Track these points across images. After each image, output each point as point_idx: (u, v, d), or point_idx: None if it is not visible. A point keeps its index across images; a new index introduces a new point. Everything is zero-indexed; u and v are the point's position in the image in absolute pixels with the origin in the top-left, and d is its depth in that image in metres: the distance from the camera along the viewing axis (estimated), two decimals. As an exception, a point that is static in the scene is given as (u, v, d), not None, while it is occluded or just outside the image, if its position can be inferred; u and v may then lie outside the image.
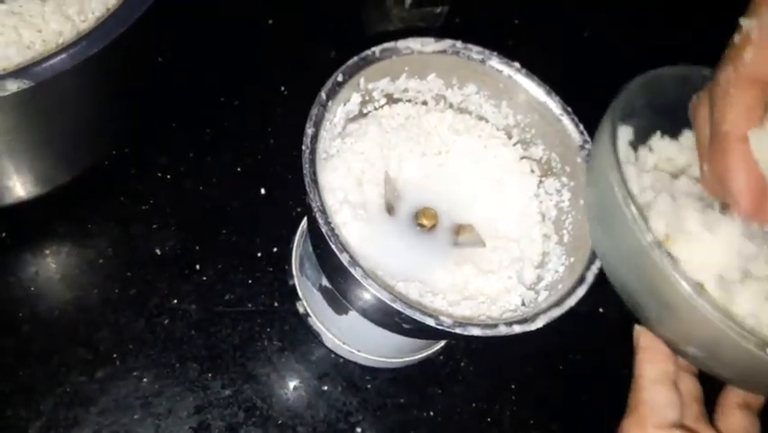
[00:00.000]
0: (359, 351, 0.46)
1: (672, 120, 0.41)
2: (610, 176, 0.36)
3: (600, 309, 0.55)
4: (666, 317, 0.36)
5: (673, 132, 0.42)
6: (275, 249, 0.50)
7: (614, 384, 0.53)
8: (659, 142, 0.43)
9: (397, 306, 0.32)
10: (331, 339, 0.46)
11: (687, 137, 0.41)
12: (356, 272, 0.33)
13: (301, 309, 0.47)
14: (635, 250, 0.35)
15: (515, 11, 0.67)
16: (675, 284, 0.32)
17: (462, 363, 0.50)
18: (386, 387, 0.48)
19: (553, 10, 0.67)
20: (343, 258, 0.33)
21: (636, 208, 0.34)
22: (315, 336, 0.47)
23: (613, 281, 0.39)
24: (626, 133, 0.42)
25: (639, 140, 0.43)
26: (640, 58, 0.67)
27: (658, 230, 0.36)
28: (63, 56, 0.34)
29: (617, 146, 0.37)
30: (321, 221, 0.33)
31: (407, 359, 0.47)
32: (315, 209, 0.34)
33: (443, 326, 0.33)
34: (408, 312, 0.32)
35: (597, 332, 0.54)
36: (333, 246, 0.33)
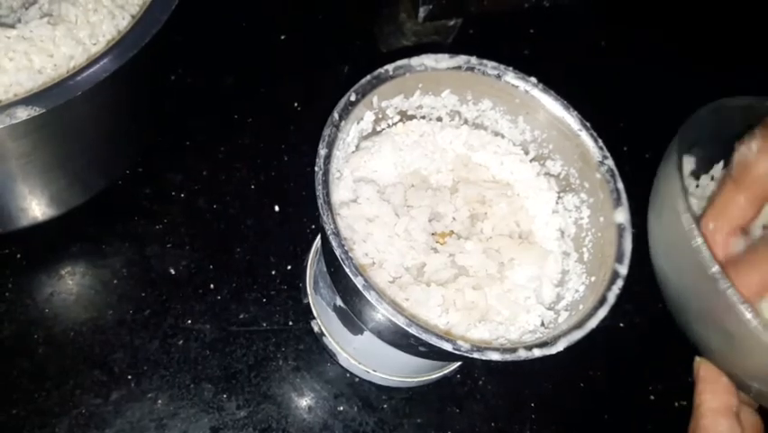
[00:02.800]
0: (374, 370, 0.45)
1: None
2: (677, 205, 0.36)
3: (621, 324, 0.54)
4: (729, 349, 0.36)
5: None
6: (289, 267, 0.50)
7: (636, 403, 0.52)
8: (722, 172, 0.42)
9: (413, 330, 0.32)
10: (346, 359, 0.45)
11: None
12: (370, 296, 0.32)
13: (316, 328, 0.46)
14: (699, 279, 0.34)
15: (530, 20, 0.66)
16: (740, 315, 0.32)
17: (480, 382, 0.49)
18: (402, 406, 0.47)
19: (568, 19, 0.66)
20: (358, 282, 0.32)
21: (702, 239, 0.34)
22: (330, 356, 0.47)
23: (674, 312, 0.39)
24: (688, 163, 0.43)
25: (701, 169, 0.43)
26: (659, 68, 0.66)
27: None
28: (74, 81, 0.34)
29: (683, 175, 0.37)
30: (334, 243, 0.33)
31: (424, 378, 0.46)
32: (329, 231, 0.33)
33: (460, 351, 0.32)
34: (424, 337, 0.32)
35: (617, 347, 0.53)
36: (347, 270, 0.32)
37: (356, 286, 0.32)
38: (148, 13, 0.38)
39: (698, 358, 0.39)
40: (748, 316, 0.32)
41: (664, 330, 0.54)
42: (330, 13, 0.61)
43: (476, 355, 0.32)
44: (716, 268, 0.33)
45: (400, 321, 0.32)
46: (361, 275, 0.32)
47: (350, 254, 0.33)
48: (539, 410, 0.49)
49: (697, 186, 0.43)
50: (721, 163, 0.43)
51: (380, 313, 0.32)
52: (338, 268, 0.33)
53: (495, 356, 0.32)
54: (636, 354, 0.53)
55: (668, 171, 0.37)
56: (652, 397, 0.52)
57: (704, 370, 0.38)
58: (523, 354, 0.33)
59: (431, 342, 0.32)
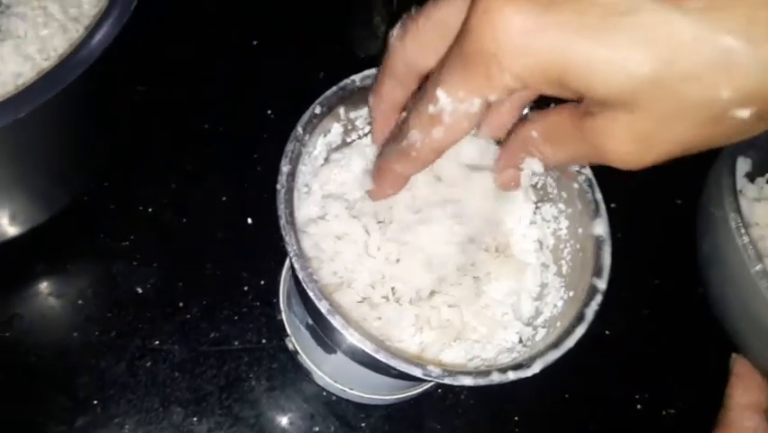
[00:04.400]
0: (351, 389, 0.43)
1: None
2: (726, 204, 0.38)
3: (607, 332, 0.53)
4: (760, 341, 0.38)
5: None
6: (263, 282, 0.48)
7: (623, 413, 0.51)
8: None
9: (381, 356, 0.30)
10: (321, 377, 0.44)
11: None
12: (335, 321, 0.31)
13: (290, 346, 0.45)
14: (742, 277, 0.36)
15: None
16: None
17: (462, 396, 0.48)
18: (381, 425, 0.46)
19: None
20: (322, 306, 0.31)
21: (749, 238, 0.36)
22: (305, 374, 0.45)
23: (717, 311, 0.41)
24: (743, 165, 0.45)
25: (757, 172, 0.46)
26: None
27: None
28: (21, 99, 0.32)
29: (735, 177, 0.39)
30: (297, 266, 0.31)
31: (403, 395, 0.45)
32: (292, 253, 0.32)
33: (430, 376, 0.30)
34: (393, 363, 0.30)
35: (603, 356, 0.51)
36: (310, 293, 0.31)
37: (320, 311, 0.31)
38: (102, 23, 0.36)
39: (734, 355, 0.41)
40: None
41: (650, 338, 0.53)
42: (304, 18, 0.59)
43: (447, 381, 0.30)
44: (759, 267, 0.35)
45: (367, 347, 0.30)
46: (326, 299, 0.31)
47: (314, 277, 0.31)
48: (523, 423, 0.48)
49: (752, 183, 0.46)
50: None
51: (347, 338, 0.31)
52: (303, 290, 0.32)
53: (467, 381, 0.31)
54: (622, 363, 0.52)
55: (719, 172, 0.40)
56: (639, 406, 0.51)
57: (739, 366, 0.40)
58: (497, 378, 0.31)
59: (400, 368, 0.30)
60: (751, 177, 0.47)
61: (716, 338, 0.51)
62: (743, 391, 0.39)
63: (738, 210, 0.37)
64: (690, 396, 0.50)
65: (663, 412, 0.50)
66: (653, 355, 0.52)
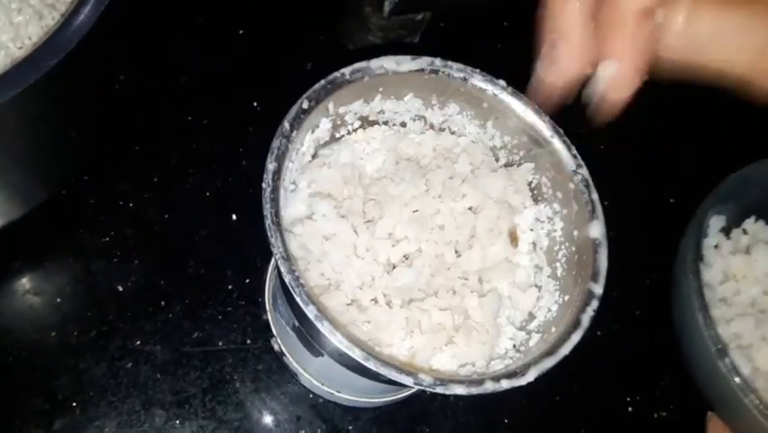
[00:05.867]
0: (338, 391, 0.42)
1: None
2: (691, 281, 0.44)
3: (598, 333, 0.52)
4: (726, 409, 0.44)
5: None
6: (248, 280, 0.47)
7: (614, 416, 0.50)
8: (753, 225, 0.50)
9: (370, 364, 0.29)
10: (308, 379, 0.43)
11: None
12: (323, 327, 0.29)
13: (276, 347, 0.44)
14: (706, 358, 0.42)
15: (503, 13, 0.63)
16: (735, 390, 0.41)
17: (452, 398, 0.47)
18: (369, 428, 0.45)
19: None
20: (309, 311, 0.29)
21: (710, 320, 0.43)
22: (291, 376, 0.44)
23: (690, 371, 0.47)
24: (717, 222, 0.49)
25: (733, 223, 0.50)
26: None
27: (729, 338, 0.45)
28: (-7, 90, 0.30)
29: (700, 251, 0.46)
30: (284, 269, 0.30)
31: (391, 398, 0.44)
32: (278, 256, 0.30)
33: (422, 385, 0.29)
34: (383, 371, 0.29)
35: (594, 357, 0.50)
36: (297, 298, 0.30)
37: (307, 316, 0.29)
38: (79, 10, 0.34)
39: (710, 413, 0.46)
40: (741, 396, 0.41)
41: (643, 339, 0.53)
42: (292, 6, 0.58)
43: (439, 390, 0.29)
44: (727, 360, 0.42)
45: (356, 354, 0.29)
46: (313, 304, 0.30)
47: (301, 281, 0.30)
48: (512, 426, 0.47)
49: (728, 238, 0.50)
50: (752, 218, 0.50)
51: (335, 344, 0.30)
52: (290, 294, 0.30)
53: (460, 390, 0.30)
54: (614, 364, 0.51)
55: (689, 238, 0.46)
56: (630, 409, 0.50)
57: (713, 424, 0.45)
58: (490, 387, 0.30)
59: (390, 376, 0.29)
60: (726, 231, 0.50)
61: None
62: None
63: (700, 292, 0.43)
64: (682, 399, 0.50)
65: (655, 415, 0.50)
66: (644, 357, 0.51)
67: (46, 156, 0.42)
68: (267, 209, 0.31)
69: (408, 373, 0.29)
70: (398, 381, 0.29)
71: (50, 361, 0.42)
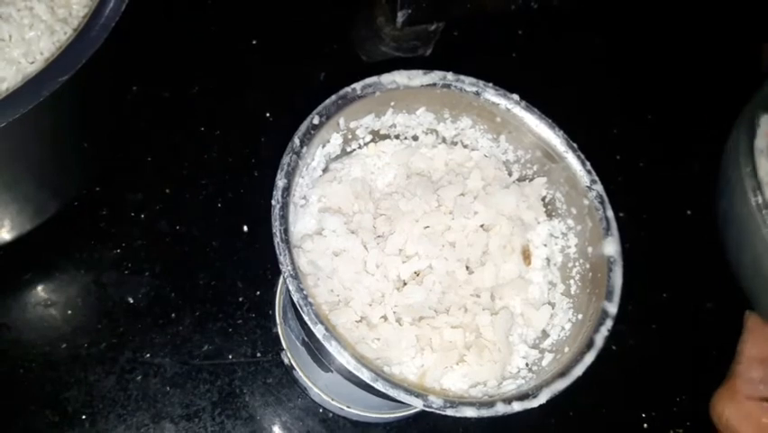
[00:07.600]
0: (348, 407, 0.42)
1: None
2: (742, 166, 0.41)
3: (613, 347, 0.51)
4: None
5: None
6: (258, 292, 0.46)
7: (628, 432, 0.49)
8: None
9: (379, 385, 0.29)
10: (318, 394, 0.42)
11: None
12: (331, 347, 0.29)
13: (286, 361, 0.43)
14: (755, 238, 0.40)
15: (517, 23, 0.62)
16: None
17: (463, 413, 0.46)
18: (380, 443, 0.44)
19: (557, 21, 0.62)
20: (317, 331, 0.29)
21: (763, 200, 0.40)
22: (301, 390, 0.43)
23: (732, 269, 0.44)
24: (765, 123, 0.46)
25: None
26: (653, 71, 0.63)
27: None
28: (4, 107, 0.30)
29: (753, 139, 0.42)
30: (292, 287, 0.30)
31: (402, 414, 0.43)
32: (287, 274, 0.30)
33: (432, 408, 0.29)
34: (392, 393, 0.29)
35: (609, 372, 0.49)
36: (305, 317, 0.29)
37: (316, 335, 0.29)
38: (91, 25, 0.34)
39: (748, 311, 0.44)
40: None
41: (659, 353, 0.52)
42: (304, 16, 0.57)
43: (450, 412, 0.29)
44: None
45: (364, 376, 0.29)
46: (322, 323, 0.29)
47: (309, 300, 0.30)
48: (526, 442, 0.46)
49: None
50: None
51: (344, 365, 0.29)
52: (298, 311, 0.30)
53: (470, 413, 0.29)
54: (629, 380, 0.50)
55: (739, 129, 0.43)
56: (645, 425, 0.49)
57: (751, 321, 0.42)
58: (501, 409, 0.30)
59: (399, 398, 0.29)
60: None
61: (726, 356, 0.49)
62: (752, 344, 0.41)
63: (754, 174, 0.41)
64: (699, 415, 0.49)
65: (671, 432, 0.49)
66: (661, 372, 0.50)
67: (58, 169, 0.42)
68: (276, 226, 0.31)
69: (418, 395, 0.29)
70: (407, 402, 0.29)
71: (59, 373, 0.42)
